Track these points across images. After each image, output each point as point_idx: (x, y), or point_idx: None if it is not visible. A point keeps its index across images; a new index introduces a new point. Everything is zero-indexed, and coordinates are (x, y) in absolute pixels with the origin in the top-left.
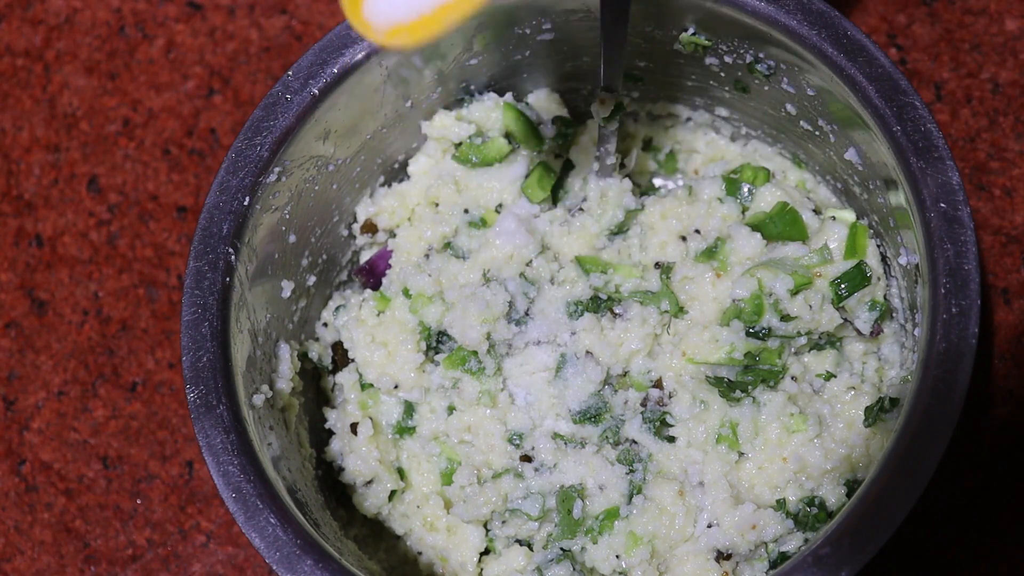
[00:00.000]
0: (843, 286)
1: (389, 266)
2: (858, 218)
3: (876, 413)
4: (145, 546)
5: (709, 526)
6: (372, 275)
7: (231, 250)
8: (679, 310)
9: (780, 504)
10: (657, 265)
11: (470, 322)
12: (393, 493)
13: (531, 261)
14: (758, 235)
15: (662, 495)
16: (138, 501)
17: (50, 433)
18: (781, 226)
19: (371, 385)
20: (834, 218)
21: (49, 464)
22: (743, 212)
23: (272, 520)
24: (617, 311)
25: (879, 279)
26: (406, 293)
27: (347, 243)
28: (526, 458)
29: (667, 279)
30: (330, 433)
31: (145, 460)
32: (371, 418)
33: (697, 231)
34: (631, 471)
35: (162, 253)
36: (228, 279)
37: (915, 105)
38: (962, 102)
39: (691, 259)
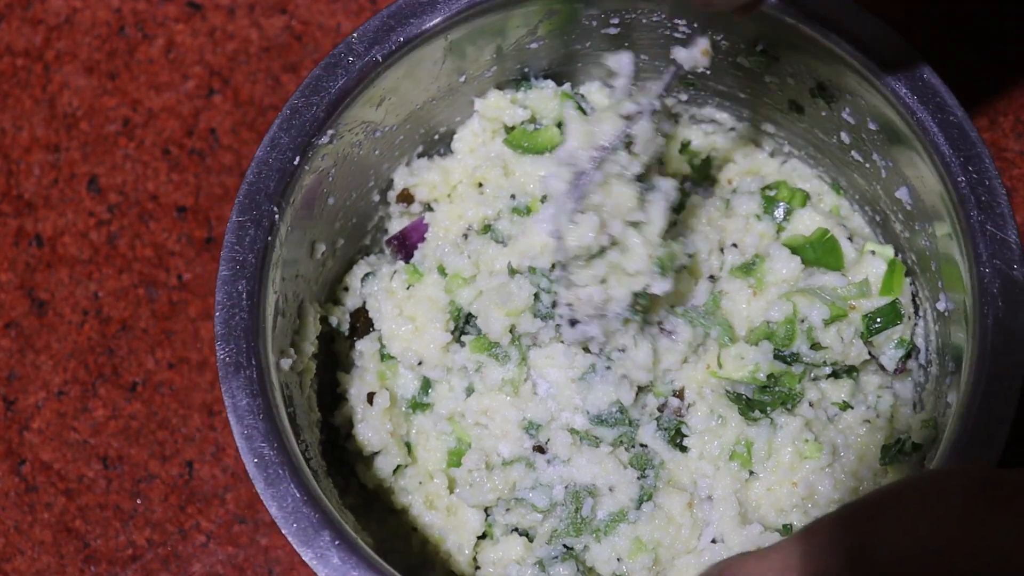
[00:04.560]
0: (877, 321)
1: (423, 239)
2: (896, 254)
3: (895, 454)
4: (145, 546)
5: (713, 541)
6: (404, 246)
7: (275, 208)
8: (730, 337)
9: (786, 529)
10: (711, 278)
11: (493, 313)
12: (397, 467)
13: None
14: (798, 259)
15: (671, 504)
16: (138, 501)
17: (50, 433)
18: (820, 253)
19: (391, 356)
20: (873, 252)
21: (49, 464)
22: (777, 232)
23: (292, 490)
24: (666, 327)
25: (909, 318)
26: (441, 271)
27: (376, 208)
28: (539, 449)
29: (717, 299)
30: (336, 397)
31: (145, 460)
32: (388, 389)
33: (735, 245)
34: (642, 476)
35: (162, 253)
36: (270, 237)
37: (982, 157)
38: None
39: (727, 272)
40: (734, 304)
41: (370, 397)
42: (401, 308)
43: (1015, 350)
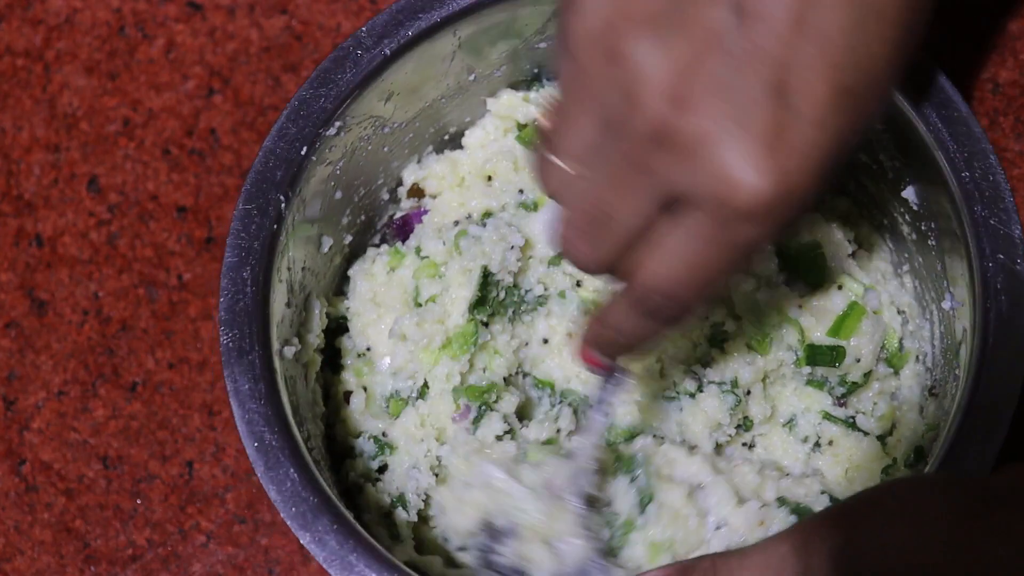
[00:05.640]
0: (810, 358)
1: (420, 222)
2: (897, 264)
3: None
4: (145, 546)
5: (718, 528)
6: (403, 231)
7: (283, 197)
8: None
9: (781, 502)
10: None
11: (446, 307)
12: (384, 467)
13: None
14: (776, 260)
15: (673, 499)
16: (138, 501)
17: (50, 433)
18: (802, 263)
19: (368, 351)
20: (840, 287)
21: (49, 464)
22: None
23: (292, 474)
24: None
25: (895, 331)
26: (418, 252)
27: (386, 207)
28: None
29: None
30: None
31: (145, 460)
32: (365, 387)
33: None
34: (633, 478)
35: (162, 253)
36: (276, 226)
37: (987, 153)
38: None
39: None
40: None
41: (346, 396)
42: (375, 293)
43: (1017, 344)
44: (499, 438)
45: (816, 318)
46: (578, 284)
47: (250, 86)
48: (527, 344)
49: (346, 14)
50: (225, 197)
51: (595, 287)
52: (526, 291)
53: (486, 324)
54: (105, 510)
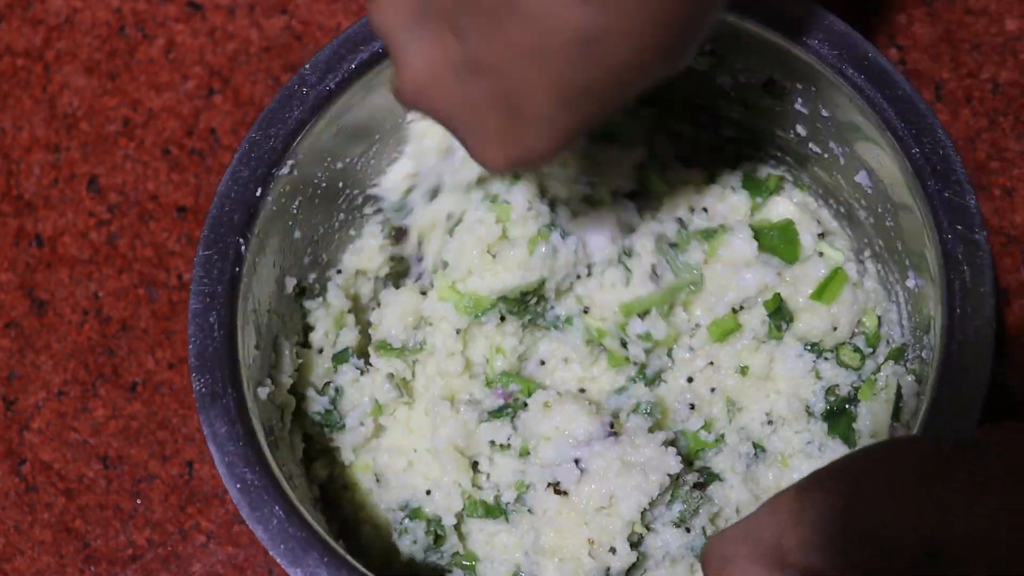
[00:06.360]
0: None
1: None
2: (858, 251)
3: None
4: (145, 546)
5: None
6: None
7: (241, 240)
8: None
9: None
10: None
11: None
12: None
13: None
14: (755, 244)
15: (718, 526)
16: (138, 501)
17: (50, 433)
18: (778, 242)
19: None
20: (821, 254)
21: (49, 464)
22: (752, 211)
23: (278, 512)
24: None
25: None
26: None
27: (345, 245)
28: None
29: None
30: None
31: (145, 460)
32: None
33: (705, 209)
34: (688, 530)
35: (162, 253)
36: (237, 269)
37: (934, 128)
38: (962, 102)
39: (691, 232)
40: (692, 259)
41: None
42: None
43: (984, 310)
44: (492, 443)
45: (796, 286)
46: (586, 311)
47: (250, 86)
48: (527, 358)
49: (346, 14)
50: None
51: (602, 315)
52: (551, 307)
53: (503, 318)
54: (105, 510)
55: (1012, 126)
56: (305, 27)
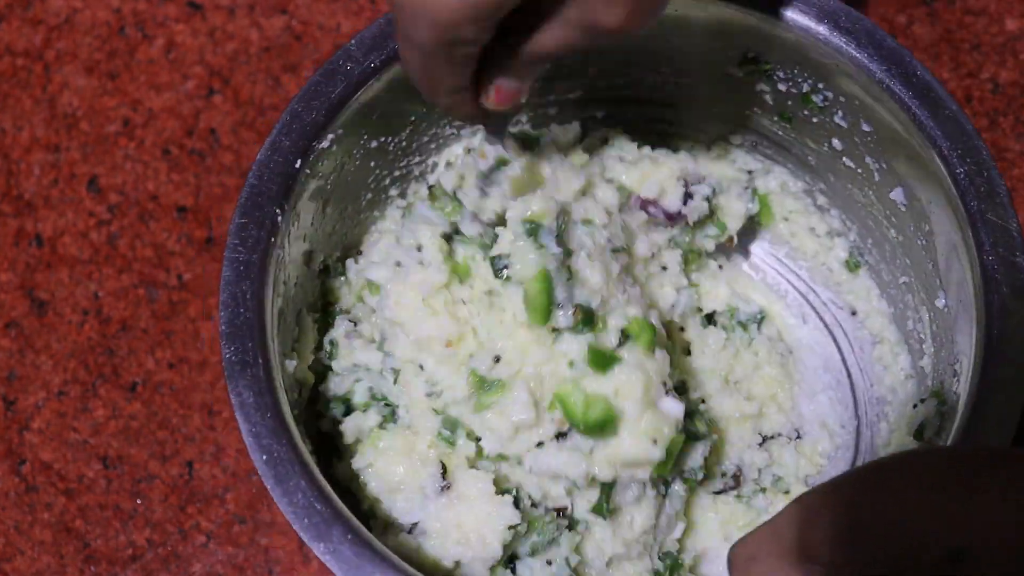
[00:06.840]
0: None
1: None
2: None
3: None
4: (145, 546)
5: None
6: None
7: (278, 210)
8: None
9: None
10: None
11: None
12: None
13: None
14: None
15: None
16: (138, 501)
17: (50, 433)
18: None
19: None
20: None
21: (49, 464)
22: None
23: (303, 486)
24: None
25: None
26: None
27: (368, 226)
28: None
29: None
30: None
31: (145, 460)
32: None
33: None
34: None
35: (162, 253)
36: (273, 239)
37: (979, 149)
38: (962, 102)
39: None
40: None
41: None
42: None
43: (1022, 331)
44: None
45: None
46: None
47: (250, 86)
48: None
49: (346, 14)
50: (225, 197)
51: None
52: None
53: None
54: (105, 510)
55: (1012, 126)
56: (305, 27)
